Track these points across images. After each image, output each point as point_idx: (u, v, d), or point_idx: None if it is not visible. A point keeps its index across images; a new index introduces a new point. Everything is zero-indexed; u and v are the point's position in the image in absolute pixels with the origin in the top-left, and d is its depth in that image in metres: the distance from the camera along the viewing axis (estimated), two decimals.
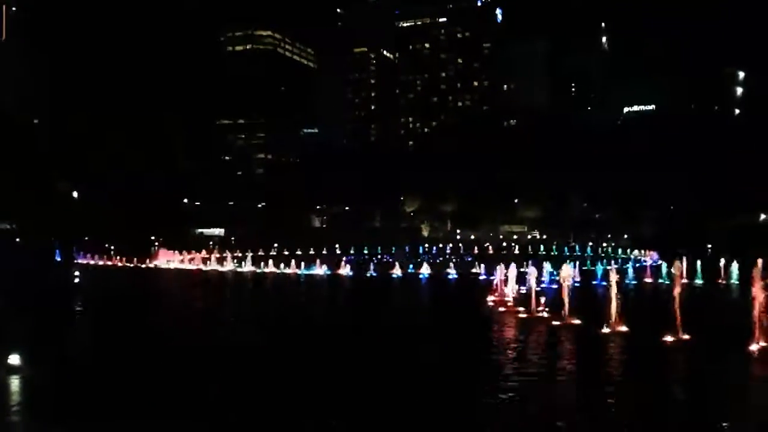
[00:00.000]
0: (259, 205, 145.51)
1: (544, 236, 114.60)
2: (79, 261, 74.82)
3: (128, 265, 69.82)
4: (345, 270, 56.20)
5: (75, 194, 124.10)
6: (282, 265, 59.84)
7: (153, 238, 75.01)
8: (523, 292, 32.11)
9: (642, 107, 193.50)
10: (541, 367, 19.06)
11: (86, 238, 79.77)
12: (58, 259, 78.55)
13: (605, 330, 23.66)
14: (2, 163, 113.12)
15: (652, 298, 37.23)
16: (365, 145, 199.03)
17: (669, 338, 21.68)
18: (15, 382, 17.44)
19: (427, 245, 59.42)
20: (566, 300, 26.52)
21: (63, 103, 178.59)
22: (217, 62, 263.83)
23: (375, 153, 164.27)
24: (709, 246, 48.89)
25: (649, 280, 45.57)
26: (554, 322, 26.18)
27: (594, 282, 43.77)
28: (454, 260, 53.46)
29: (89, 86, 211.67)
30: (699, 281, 43.11)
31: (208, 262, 68.56)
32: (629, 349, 21.65)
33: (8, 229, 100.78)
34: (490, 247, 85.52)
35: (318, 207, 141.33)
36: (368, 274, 53.59)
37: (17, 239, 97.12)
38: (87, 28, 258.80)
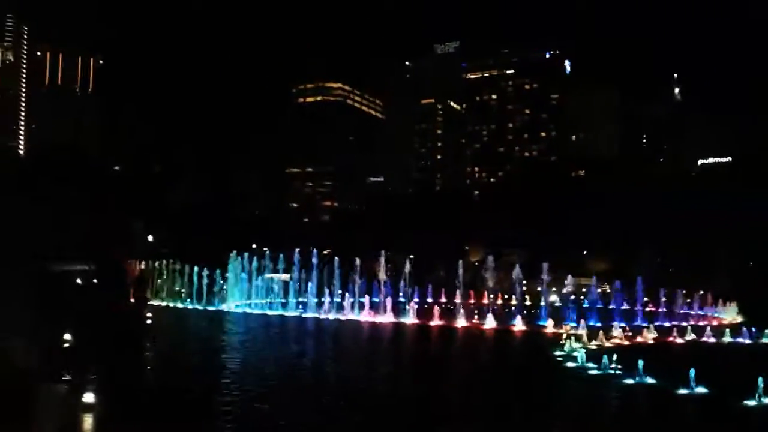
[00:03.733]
0: (325, 252, 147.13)
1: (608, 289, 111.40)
2: (152, 302, 77.04)
3: (198, 307, 71.48)
4: (409, 318, 55.88)
5: (150, 238, 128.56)
6: (346, 312, 60.20)
7: (222, 282, 76.74)
8: (594, 347, 31.06)
9: (717, 159, 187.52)
10: None
11: (160, 281, 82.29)
12: (132, 300, 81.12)
13: (683, 391, 22.56)
14: (85, 207, 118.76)
15: (730, 357, 35.35)
16: (431, 195, 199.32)
17: (751, 402, 20.48)
18: (89, 420, 17.91)
19: (492, 296, 58.62)
20: (639, 357, 25.51)
21: (144, 151, 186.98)
22: (288, 113, 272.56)
23: (440, 203, 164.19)
24: None
25: (728, 339, 43.35)
26: (627, 381, 25.15)
27: (669, 339, 41.96)
28: (520, 312, 52.38)
29: (169, 135, 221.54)
30: None
31: (272, 306, 69.61)
32: (706, 414, 20.53)
33: (87, 270, 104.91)
34: (558, 300, 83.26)
35: (382, 254, 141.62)
36: (432, 323, 53.08)
37: (95, 280, 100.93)
38: (168, 81, 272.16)
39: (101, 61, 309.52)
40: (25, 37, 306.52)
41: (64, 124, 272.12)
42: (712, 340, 42.27)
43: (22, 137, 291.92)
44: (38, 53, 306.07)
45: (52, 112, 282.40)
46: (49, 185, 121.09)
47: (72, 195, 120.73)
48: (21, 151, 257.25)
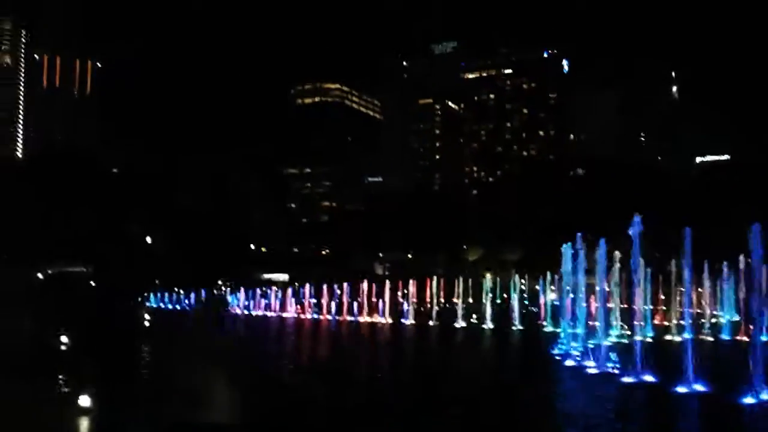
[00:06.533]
0: (324, 252, 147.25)
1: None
2: (150, 304, 77.04)
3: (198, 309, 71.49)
4: (407, 319, 55.83)
5: (148, 239, 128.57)
6: (345, 312, 60.14)
7: (221, 282, 76.75)
8: (591, 345, 30.99)
9: (716, 157, 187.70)
10: None
11: (157, 282, 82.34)
12: (132, 302, 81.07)
13: (681, 389, 22.47)
14: (81, 209, 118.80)
15: (730, 354, 35.34)
16: (429, 194, 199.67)
17: (750, 399, 20.39)
18: (85, 424, 17.80)
19: (490, 295, 58.67)
20: (639, 355, 25.40)
21: (140, 153, 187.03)
22: (286, 114, 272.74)
23: (438, 202, 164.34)
24: None
25: (726, 337, 43.35)
26: (625, 379, 25.07)
27: (668, 337, 41.96)
28: (519, 311, 52.33)
29: (165, 137, 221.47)
30: None
31: (272, 307, 69.49)
32: (705, 411, 20.46)
33: (84, 272, 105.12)
34: (557, 298, 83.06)
35: (381, 254, 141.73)
36: (431, 323, 53.01)
37: (91, 282, 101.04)
38: (164, 82, 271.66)
39: (99, 64, 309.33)
40: (23, 41, 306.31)
41: (63, 128, 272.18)
42: (711, 338, 42.19)
43: (20, 141, 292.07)
44: (36, 57, 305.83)
45: (50, 116, 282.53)
46: (47, 189, 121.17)
47: (70, 198, 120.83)
48: (19, 155, 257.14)
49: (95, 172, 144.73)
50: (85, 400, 18.87)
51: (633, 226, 27.73)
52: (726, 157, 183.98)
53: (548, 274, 60.30)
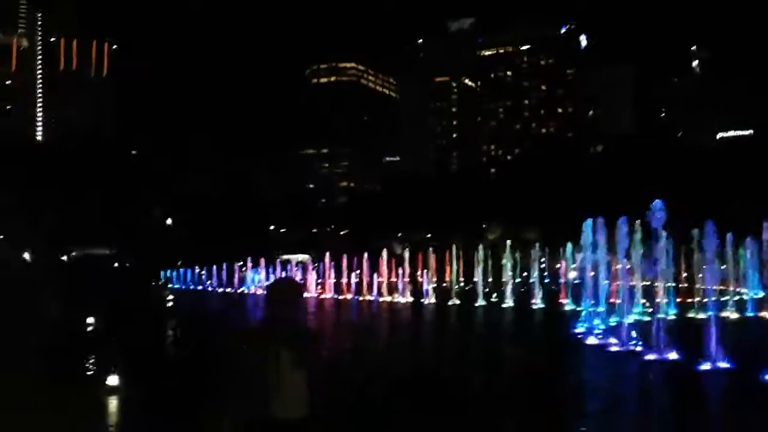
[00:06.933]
0: (342, 232, 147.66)
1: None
2: (173, 285, 77.93)
3: (218, 290, 72.16)
4: (427, 299, 55.95)
5: (169, 221, 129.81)
6: (364, 292, 60.42)
7: (240, 263, 77.37)
8: (613, 323, 30.93)
9: (738, 132, 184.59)
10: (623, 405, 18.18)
11: (179, 263, 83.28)
12: (154, 282, 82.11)
13: (705, 366, 22.37)
14: (101, 191, 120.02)
15: (754, 331, 35.11)
16: (447, 173, 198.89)
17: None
18: (113, 403, 18.11)
19: (510, 274, 58.72)
20: (662, 333, 25.29)
21: (156, 134, 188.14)
22: (302, 94, 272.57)
23: (457, 181, 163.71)
24: None
25: (750, 313, 42.97)
26: (647, 357, 25.00)
27: (691, 314, 41.66)
28: (539, 290, 52.26)
29: (181, 117, 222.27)
30: None
31: None
32: (729, 388, 20.37)
33: (107, 254, 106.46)
34: (577, 276, 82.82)
35: (399, 234, 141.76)
36: (450, 303, 53.10)
37: (116, 264, 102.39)
38: (180, 64, 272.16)
39: (114, 46, 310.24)
40: (39, 23, 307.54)
41: (81, 109, 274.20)
42: (735, 315, 41.84)
43: (39, 123, 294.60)
44: (52, 39, 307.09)
45: (67, 98, 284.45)
46: (67, 171, 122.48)
47: (90, 180, 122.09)
48: (39, 137, 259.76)
49: (114, 153, 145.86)
50: (113, 380, 19.17)
51: (655, 202, 27.46)
52: (749, 132, 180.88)
53: (569, 251, 59.89)
